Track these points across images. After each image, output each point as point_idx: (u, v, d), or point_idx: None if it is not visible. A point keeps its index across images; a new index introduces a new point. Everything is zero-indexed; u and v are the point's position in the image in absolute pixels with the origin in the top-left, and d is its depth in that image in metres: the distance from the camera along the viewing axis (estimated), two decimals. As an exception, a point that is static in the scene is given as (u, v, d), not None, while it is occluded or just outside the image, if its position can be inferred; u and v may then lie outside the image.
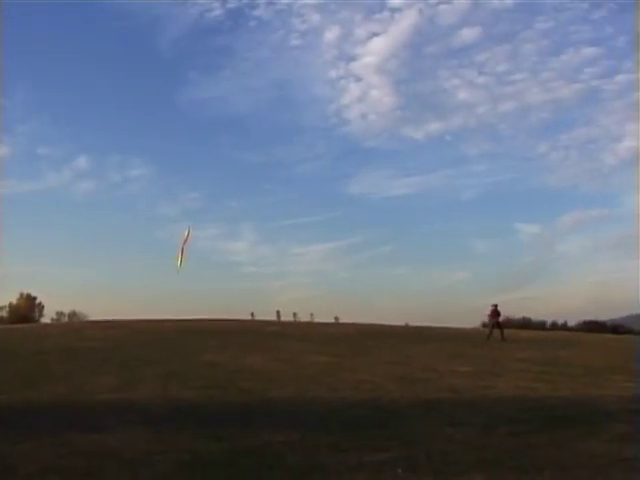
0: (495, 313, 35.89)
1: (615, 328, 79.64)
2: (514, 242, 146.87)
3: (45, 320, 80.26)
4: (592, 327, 76.03)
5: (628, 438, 8.24)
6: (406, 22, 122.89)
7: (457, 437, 8.45)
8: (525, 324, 78.13)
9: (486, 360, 21.59)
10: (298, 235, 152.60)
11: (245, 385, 14.14)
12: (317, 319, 60.31)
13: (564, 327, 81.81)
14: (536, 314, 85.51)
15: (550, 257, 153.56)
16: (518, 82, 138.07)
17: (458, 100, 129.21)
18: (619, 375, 17.02)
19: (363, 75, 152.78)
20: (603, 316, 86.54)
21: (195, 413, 10.63)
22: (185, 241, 29.34)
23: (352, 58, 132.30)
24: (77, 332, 32.69)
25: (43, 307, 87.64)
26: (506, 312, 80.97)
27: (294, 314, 62.38)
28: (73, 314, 78.14)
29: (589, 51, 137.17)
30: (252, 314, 53.21)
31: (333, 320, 60.45)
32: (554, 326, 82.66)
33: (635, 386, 14.72)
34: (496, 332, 34.49)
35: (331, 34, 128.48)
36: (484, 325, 44.72)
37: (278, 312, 56.78)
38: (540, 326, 79.89)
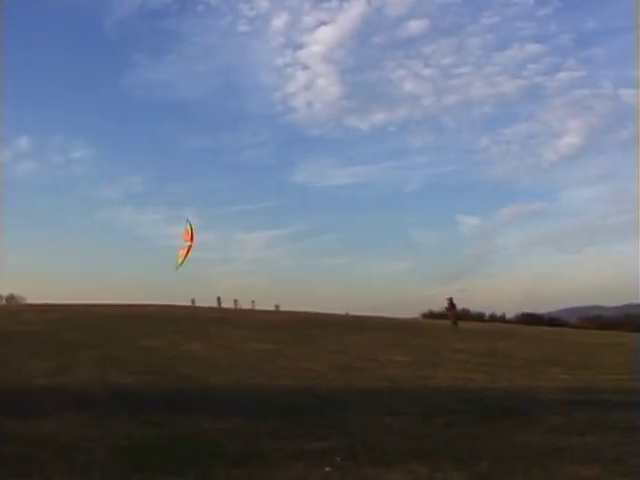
0: (452, 305, 37.09)
1: (551, 321, 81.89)
2: (455, 234, 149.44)
3: (-18, 304, 77.71)
4: (529, 319, 77.93)
5: (562, 429, 8.44)
6: (354, 12, 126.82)
7: (395, 427, 8.52)
8: (464, 315, 79.51)
9: (425, 350, 21.91)
10: (242, 222, 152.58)
11: (184, 371, 14.01)
12: (258, 306, 60.10)
13: (502, 319, 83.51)
14: (475, 305, 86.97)
15: (489, 249, 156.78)
16: (463, 75, 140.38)
17: (404, 91, 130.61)
18: (555, 367, 17.51)
19: (310, 63, 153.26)
20: (540, 309, 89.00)
21: (132, 398, 10.46)
22: (191, 238, 28.84)
23: (299, 46, 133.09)
24: (15, 315, 31.95)
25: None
26: (445, 303, 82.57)
27: (235, 301, 61.83)
28: (11, 297, 75.85)
29: (533, 47, 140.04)
30: (192, 300, 52.68)
31: (274, 308, 60.39)
32: (492, 318, 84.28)
33: (570, 378, 15.16)
34: (446, 323, 35.37)
35: (279, 21, 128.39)
36: (424, 316, 45.62)
37: (219, 298, 56.17)
38: (479, 317, 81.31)
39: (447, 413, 9.63)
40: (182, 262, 28.96)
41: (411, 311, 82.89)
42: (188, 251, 29.24)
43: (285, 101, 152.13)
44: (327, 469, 6.31)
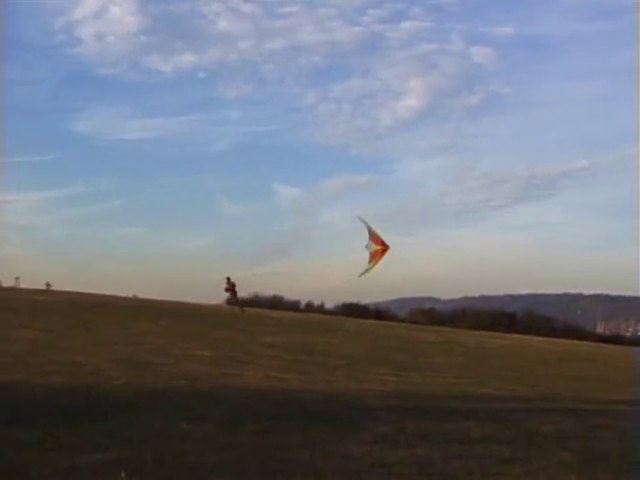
0: (231, 285, 37.70)
1: (378, 313, 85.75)
2: (271, 206, 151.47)
3: None
4: (352, 311, 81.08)
5: (389, 439, 8.95)
6: None
7: (194, 434, 8.59)
8: (276, 303, 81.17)
9: (230, 344, 22.19)
10: (4, 178, 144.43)
11: None
12: (24, 285, 58.00)
13: (321, 309, 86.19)
14: (289, 292, 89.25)
15: (310, 227, 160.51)
16: (290, 16, 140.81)
17: (218, 30, 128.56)
18: (381, 367, 18.46)
19: None
20: (365, 299, 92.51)
21: None
22: (383, 249, 27.61)
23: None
24: None
25: None
26: (254, 288, 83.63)
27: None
28: None
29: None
30: None
31: (44, 287, 59.43)
32: (309, 307, 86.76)
33: (398, 380, 16.04)
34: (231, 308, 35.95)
35: None
36: (229, 302, 46.24)
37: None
38: (293, 306, 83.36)
39: (255, 419, 9.84)
40: (369, 269, 28.50)
41: (214, 297, 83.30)
42: (380, 257, 29.33)
43: (69, 29, 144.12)
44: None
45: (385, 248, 29.59)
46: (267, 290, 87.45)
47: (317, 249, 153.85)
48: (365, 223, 30.20)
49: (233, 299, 39.04)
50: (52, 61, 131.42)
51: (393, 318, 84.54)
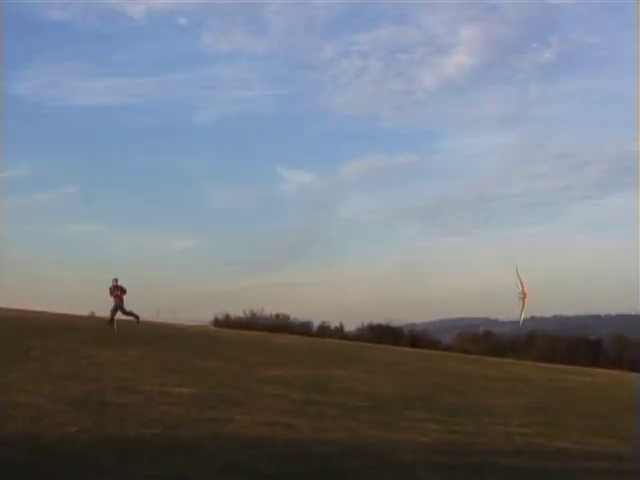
0: (119, 291, 38.41)
1: (416, 339, 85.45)
2: (274, 196, 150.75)
3: None
4: (382, 335, 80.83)
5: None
6: None
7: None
8: (280, 326, 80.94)
9: (219, 377, 22.18)
10: None
11: None
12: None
13: (339, 333, 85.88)
14: (298, 310, 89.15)
15: (326, 224, 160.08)
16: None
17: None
18: (420, 411, 18.35)
19: None
20: (399, 319, 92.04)
21: None
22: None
23: None
24: None
25: None
26: (251, 305, 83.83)
27: None
28: None
29: None
30: None
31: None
32: (324, 330, 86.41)
33: (442, 429, 15.96)
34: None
35: None
36: (217, 323, 46.25)
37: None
38: (304, 329, 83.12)
39: (252, 478, 9.82)
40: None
41: (198, 315, 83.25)
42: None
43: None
44: None
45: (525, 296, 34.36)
46: (268, 307, 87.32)
47: (335, 253, 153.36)
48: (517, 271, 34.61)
49: (117, 302, 39.76)
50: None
51: (435, 345, 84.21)
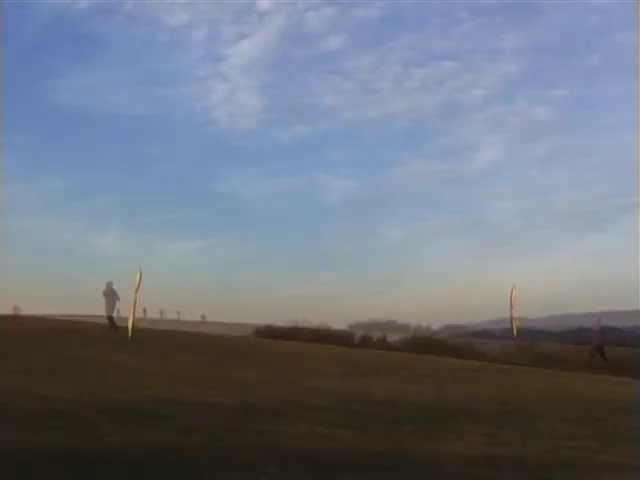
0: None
1: (459, 350, 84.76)
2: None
3: None
4: (425, 346, 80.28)
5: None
6: (273, 26, 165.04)
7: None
8: (322, 336, 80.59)
9: (261, 388, 22.14)
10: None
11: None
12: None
13: (382, 343, 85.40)
14: (339, 319, 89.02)
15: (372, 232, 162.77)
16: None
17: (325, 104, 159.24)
18: (465, 423, 18.13)
19: (230, 76, 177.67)
20: (465, 321, 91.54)
21: None
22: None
23: (220, 58, 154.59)
24: None
25: None
26: (291, 314, 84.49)
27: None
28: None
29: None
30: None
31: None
32: (367, 341, 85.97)
33: (488, 440, 15.76)
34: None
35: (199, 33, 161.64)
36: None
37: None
38: (346, 340, 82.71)
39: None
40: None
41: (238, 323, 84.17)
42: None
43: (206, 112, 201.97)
44: None
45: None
46: (309, 317, 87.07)
47: (378, 260, 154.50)
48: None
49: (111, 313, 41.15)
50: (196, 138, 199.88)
51: (480, 357, 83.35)
